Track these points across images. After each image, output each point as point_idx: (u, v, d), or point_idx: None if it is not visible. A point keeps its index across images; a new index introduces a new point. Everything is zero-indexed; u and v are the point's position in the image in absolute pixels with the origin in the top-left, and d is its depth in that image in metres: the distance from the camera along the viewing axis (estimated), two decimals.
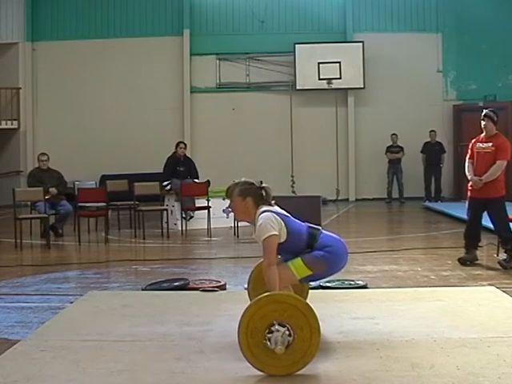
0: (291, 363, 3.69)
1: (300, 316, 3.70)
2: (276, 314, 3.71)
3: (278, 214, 4.14)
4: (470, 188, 7.24)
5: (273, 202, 4.27)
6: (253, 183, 4.27)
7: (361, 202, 16.31)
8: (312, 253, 4.10)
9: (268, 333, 3.68)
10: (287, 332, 3.68)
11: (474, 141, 7.39)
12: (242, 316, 3.72)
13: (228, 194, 4.29)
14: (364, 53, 16.21)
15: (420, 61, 16.56)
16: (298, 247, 4.12)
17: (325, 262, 4.09)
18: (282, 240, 4.07)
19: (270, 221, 4.05)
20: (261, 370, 3.69)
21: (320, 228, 4.27)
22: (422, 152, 15.85)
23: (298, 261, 4.08)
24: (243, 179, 4.33)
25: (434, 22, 16.73)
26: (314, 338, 3.69)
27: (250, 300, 4.33)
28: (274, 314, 3.70)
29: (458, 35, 16.69)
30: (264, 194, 4.22)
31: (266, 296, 3.80)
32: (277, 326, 3.67)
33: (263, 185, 4.27)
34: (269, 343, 3.67)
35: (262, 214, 4.10)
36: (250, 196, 4.20)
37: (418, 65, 16.51)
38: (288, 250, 4.12)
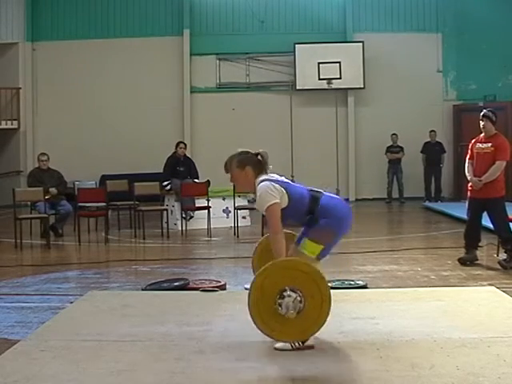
0: (301, 330, 3.70)
1: (311, 284, 3.70)
2: (288, 280, 3.70)
3: (277, 181, 4.14)
4: (469, 188, 7.24)
5: (270, 167, 4.24)
6: (248, 152, 4.26)
7: (361, 202, 16.30)
8: (315, 226, 4.07)
9: (279, 298, 3.67)
10: (298, 298, 3.67)
11: (473, 141, 7.39)
12: (253, 282, 3.72)
13: (226, 168, 4.27)
14: (364, 53, 16.21)
15: (420, 61, 16.55)
16: (300, 211, 4.10)
17: (331, 230, 4.07)
18: (284, 206, 4.06)
19: (270, 189, 4.04)
20: (270, 336, 3.69)
21: (321, 191, 4.23)
22: (422, 152, 15.85)
23: (306, 242, 4.07)
24: (238, 150, 4.32)
25: (434, 22, 16.73)
26: (324, 306, 3.69)
27: (254, 271, 4.28)
28: (285, 280, 3.70)
29: (458, 35, 16.69)
30: (261, 159, 4.20)
31: (279, 262, 3.78)
32: (289, 292, 3.67)
33: (259, 150, 4.25)
34: (280, 308, 3.66)
35: (261, 184, 4.09)
36: (248, 165, 4.20)
37: (418, 65, 16.51)
38: (290, 215, 4.09)
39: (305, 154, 16.52)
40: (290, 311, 3.63)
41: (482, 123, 7.18)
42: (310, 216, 4.10)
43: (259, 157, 4.24)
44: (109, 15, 16.90)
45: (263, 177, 4.17)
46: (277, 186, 4.09)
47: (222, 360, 3.91)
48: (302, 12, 16.78)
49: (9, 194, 10.03)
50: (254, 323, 3.69)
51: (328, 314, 3.70)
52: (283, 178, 4.24)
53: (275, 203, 4.02)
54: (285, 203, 4.07)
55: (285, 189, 4.10)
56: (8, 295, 6.09)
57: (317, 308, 3.68)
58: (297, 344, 4.02)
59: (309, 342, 4.06)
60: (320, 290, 3.69)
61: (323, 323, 3.70)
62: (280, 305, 3.68)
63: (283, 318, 3.65)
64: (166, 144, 13.25)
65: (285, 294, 3.68)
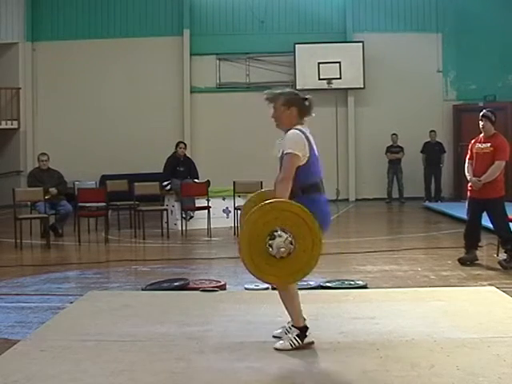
0: (291, 273, 3.73)
1: (303, 226, 3.72)
2: (279, 221, 3.72)
3: (310, 144, 4.10)
4: (469, 188, 7.24)
5: (313, 114, 4.22)
6: (298, 93, 4.19)
7: (361, 202, 16.31)
8: None
9: (270, 239, 3.70)
10: (289, 239, 3.69)
11: (473, 141, 7.39)
12: (245, 223, 3.73)
13: (271, 99, 4.17)
14: (364, 53, 16.21)
15: (420, 61, 16.55)
16: (296, 183, 4.01)
17: None
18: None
19: (302, 143, 4.03)
20: (261, 279, 3.77)
21: (324, 192, 4.14)
22: (422, 152, 15.85)
23: None
24: (287, 89, 4.24)
25: (434, 22, 16.73)
26: (315, 249, 3.71)
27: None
28: (276, 222, 3.72)
29: (457, 35, 16.69)
30: (308, 104, 4.16)
31: (270, 203, 3.80)
32: (279, 232, 3.70)
33: (307, 96, 4.18)
34: (271, 249, 3.69)
35: (298, 131, 4.07)
36: (294, 106, 4.16)
37: (418, 65, 16.50)
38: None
39: None
40: (281, 249, 3.66)
41: (481, 123, 7.18)
42: (298, 196, 3.99)
43: (306, 102, 4.18)
44: (109, 15, 16.89)
45: (303, 129, 4.13)
46: (307, 146, 4.06)
47: (221, 360, 3.91)
48: (302, 12, 16.77)
49: (9, 194, 10.02)
50: (245, 266, 3.72)
51: (318, 257, 3.73)
52: (316, 151, 4.18)
53: (297, 156, 3.98)
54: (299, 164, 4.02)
55: (309, 156, 4.05)
56: (8, 295, 6.09)
57: (307, 251, 3.70)
58: (296, 343, 4.03)
59: (308, 339, 4.06)
60: (311, 233, 3.71)
61: (313, 266, 3.73)
62: (271, 245, 3.69)
63: (273, 260, 3.67)
64: (166, 144, 13.24)
65: (275, 234, 3.70)
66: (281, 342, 4.09)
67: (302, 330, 4.06)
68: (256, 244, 3.69)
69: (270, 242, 3.70)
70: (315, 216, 3.91)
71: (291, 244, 3.70)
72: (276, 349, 4.06)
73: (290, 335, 4.08)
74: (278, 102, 4.18)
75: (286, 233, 3.70)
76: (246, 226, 3.71)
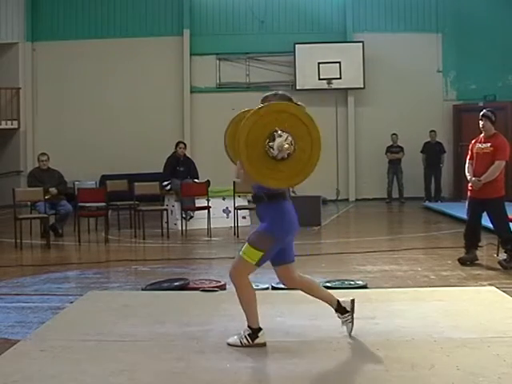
0: (292, 174, 3.71)
1: (301, 126, 3.72)
2: (277, 122, 3.71)
3: None
4: (469, 188, 7.24)
5: None
6: (291, 98, 4.13)
7: (361, 202, 16.31)
8: (257, 230, 4.05)
9: (269, 141, 3.69)
10: (290, 138, 3.69)
11: (473, 141, 7.39)
12: (242, 126, 3.71)
13: (265, 101, 4.13)
14: (364, 53, 16.22)
15: (420, 61, 16.56)
16: (264, 190, 3.98)
17: (273, 236, 4.00)
18: None
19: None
20: (262, 184, 3.76)
21: (289, 200, 4.10)
22: (422, 152, 15.86)
23: (247, 247, 4.05)
24: (281, 92, 4.21)
25: (434, 22, 16.75)
26: (314, 148, 3.71)
27: (229, 154, 4.16)
28: (275, 123, 3.70)
29: (457, 35, 16.70)
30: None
31: (267, 105, 3.82)
32: (279, 132, 3.69)
33: (299, 103, 4.12)
34: (272, 150, 3.68)
35: None
36: None
37: (418, 65, 16.52)
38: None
39: None
40: (285, 146, 3.65)
41: (481, 123, 7.19)
42: (265, 200, 3.98)
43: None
44: (109, 15, 16.91)
45: None
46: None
47: (222, 360, 3.90)
48: (302, 12, 16.78)
49: (9, 194, 10.03)
50: (246, 171, 3.69)
51: (318, 157, 3.71)
52: None
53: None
54: None
55: None
56: (8, 295, 6.09)
57: (307, 151, 3.69)
58: (245, 342, 4.07)
59: (259, 340, 4.09)
60: (310, 133, 3.70)
61: (314, 166, 3.71)
62: (271, 147, 3.68)
63: (273, 163, 3.65)
64: (166, 144, 13.25)
65: (275, 134, 3.69)
66: (235, 337, 4.15)
67: (255, 331, 4.10)
68: (255, 147, 3.68)
69: (271, 143, 3.69)
70: (283, 218, 3.95)
71: (291, 144, 3.69)
72: (228, 344, 4.12)
73: (242, 333, 4.13)
74: (271, 101, 4.10)
75: (286, 133, 3.70)
76: (243, 130, 3.67)
